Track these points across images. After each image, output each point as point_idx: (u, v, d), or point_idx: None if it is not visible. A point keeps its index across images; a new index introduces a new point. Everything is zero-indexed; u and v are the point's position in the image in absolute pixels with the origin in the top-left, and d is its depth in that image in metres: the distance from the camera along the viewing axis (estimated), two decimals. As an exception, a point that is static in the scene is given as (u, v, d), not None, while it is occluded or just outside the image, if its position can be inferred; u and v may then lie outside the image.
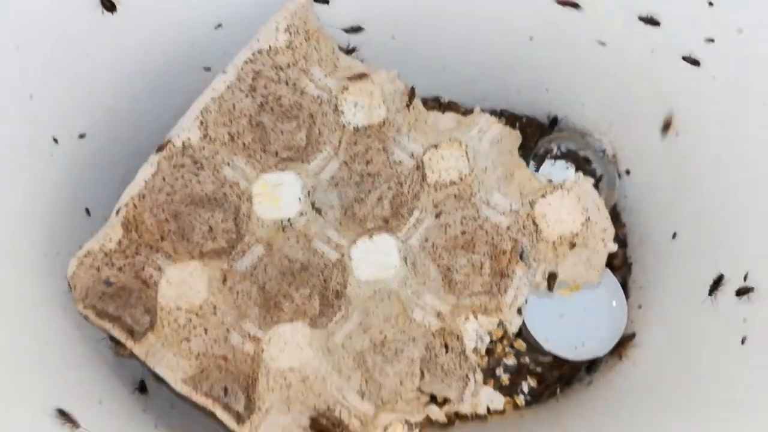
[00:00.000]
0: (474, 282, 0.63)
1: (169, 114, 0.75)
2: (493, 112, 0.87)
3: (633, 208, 0.84)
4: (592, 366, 0.80)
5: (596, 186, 0.87)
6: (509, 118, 0.87)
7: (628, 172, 0.83)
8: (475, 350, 0.54)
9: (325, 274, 0.63)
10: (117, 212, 0.58)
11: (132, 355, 0.63)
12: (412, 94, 0.63)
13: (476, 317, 0.54)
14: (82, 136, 0.61)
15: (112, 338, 0.63)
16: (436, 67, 0.81)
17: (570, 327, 0.79)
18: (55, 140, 0.56)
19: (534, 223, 0.56)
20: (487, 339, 0.54)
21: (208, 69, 0.70)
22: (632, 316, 0.79)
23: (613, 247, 0.58)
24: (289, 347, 0.52)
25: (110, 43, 0.60)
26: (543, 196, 0.57)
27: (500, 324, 0.55)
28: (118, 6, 0.57)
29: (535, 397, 0.79)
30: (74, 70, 0.58)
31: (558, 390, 0.80)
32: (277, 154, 0.67)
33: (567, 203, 0.55)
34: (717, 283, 0.61)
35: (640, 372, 0.75)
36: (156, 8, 0.62)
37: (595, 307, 0.80)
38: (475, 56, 0.79)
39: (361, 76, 0.62)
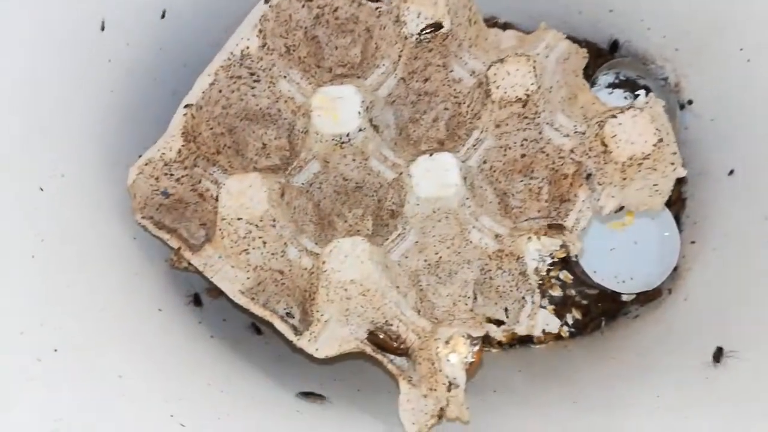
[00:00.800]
0: (531, 207, 0.62)
1: (218, 28, 0.72)
2: (550, 36, 0.83)
3: (692, 141, 0.81)
4: (639, 298, 0.79)
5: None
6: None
7: (690, 102, 0.79)
8: (536, 271, 0.53)
9: (379, 194, 0.62)
10: (175, 127, 0.57)
11: (187, 269, 0.63)
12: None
13: (539, 238, 0.53)
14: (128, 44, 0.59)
15: (167, 244, 0.64)
16: (496, -18, 0.77)
17: (620, 260, 0.78)
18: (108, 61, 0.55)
19: (603, 143, 0.54)
20: (549, 260, 0.53)
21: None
22: (684, 252, 0.78)
23: (683, 172, 0.55)
24: (350, 260, 0.52)
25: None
26: (613, 116, 0.54)
27: (562, 246, 0.53)
28: None
29: (579, 330, 0.79)
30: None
31: (603, 323, 0.80)
32: (331, 70, 0.65)
33: (639, 123, 0.53)
34: None
35: (691, 307, 0.74)
36: None
37: (646, 240, 0.79)
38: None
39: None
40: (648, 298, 0.78)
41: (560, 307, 0.79)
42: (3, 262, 0.44)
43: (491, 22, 0.81)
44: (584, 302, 0.80)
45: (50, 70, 0.53)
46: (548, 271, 0.78)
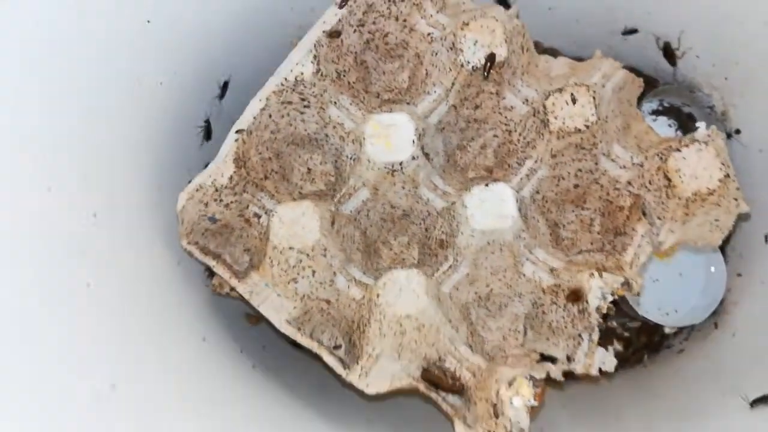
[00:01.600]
0: (582, 239, 0.60)
1: (260, 56, 0.72)
2: (593, 61, 0.82)
3: (738, 170, 0.79)
4: (684, 332, 0.77)
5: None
6: (610, 68, 0.82)
7: (738, 132, 0.78)
8: (598, 309, 0.51)
9: (427, 222, 0.61)
10: (226, 153, 0.56)
11: (229, 294, 0.62)
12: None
13: (601, 275, 0.51)
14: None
15: (211, 275, 0.63)
16: (541, 7, 0.76)
17: (664, 292, 0.76)
18: (161, 83, 0.55)
19: (666, 177, 0.52)
20: (610, 298, 0.51)
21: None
22: (730, 284, 0.76)
23: (746, 208, 0.54)
24: (405, 293, 0.50)
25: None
26: (677, 149, 0.53)
27: (624, 283, 0.52)
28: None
29: (621, 363, 0.77)
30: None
31: (646, 356, 0.78)
32: (378, 95, 0.64)
33: (704, 158, 0.51)
34: None
35: (740, 342, 0.72)
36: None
37: (691, 272, 0.77)
38: (585, -1, 0.74)
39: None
40: (693, 331, 0.76)
41: (601, 339, 0.77)
42: (59, 293, 0.43)
43: (539, 49, 0.80)
44: (626, 334, 0.78)
45: (99, 97, 0.52)
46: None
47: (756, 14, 0.67)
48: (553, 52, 0.82)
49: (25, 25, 0.44)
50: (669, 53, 0.73)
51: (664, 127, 0.81)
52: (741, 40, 0.70)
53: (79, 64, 0.48)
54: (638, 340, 0.78)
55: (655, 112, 0.82)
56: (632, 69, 0.82)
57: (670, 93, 0.80)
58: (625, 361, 0.77)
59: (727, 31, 0.70)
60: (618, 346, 0.78)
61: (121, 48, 0.51)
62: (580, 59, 0.82)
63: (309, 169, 0.63)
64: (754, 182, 0.76)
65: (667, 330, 0.77)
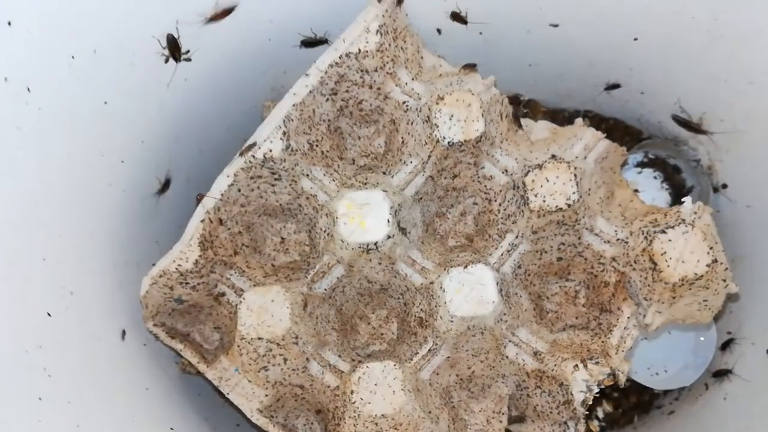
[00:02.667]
0: (567, 312, 0.58)
1: (236, 113, 0.69)
2: (576, 112, 0.80)
3: (725, 225, 0.77)
4: (674, 393, 0.75)
5: (684, 197, 0.80)
6: (593, 119, 0.80)
7: (725, 186, 0.76)
8: (583, 402, 0.49)
9: (406, 297, 0.58)
10: (191, 236, 0.53)
11: (199, 373, 0.59)
12: (516, 119, 0.57)
13: (585, 366, 0.49)
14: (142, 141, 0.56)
15: (180, 354, 0.60)
16: (522, 63, 0.74)
17: (652, 352, 0.74)
18: (122, 161, 0.52)
19: (652, 260, 0.50)
20: (596, 389, 0.49)
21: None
22: (720, 342, 0.74)
23: (735, 288, 0.52)
24: (381, 390, 0.48)
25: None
26: (663, 230, 0.50)
27: (611, 374, 0.49)
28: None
29: (611, 424, 0.75)
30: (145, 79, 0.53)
31: (636, 417, 0.75)
32: (354, 161, 0.61)
33: (691, 242, 0.49)
34: None
35: (731, 406, 0.69)
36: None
37: (681, 332, 0.75)
38: (567, 54, 0.72)
39: (468, 68, 0.55)
40: (684, 392, 0.74)
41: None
42: (14, 377, 0.40)
43: (513, 100, 0.78)
44: (615, 394, 0.76)
45: (59, 176, 0.49)
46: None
47: (741, 74, 0.66)
48: (534, 105, 0.81)
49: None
50: (686, 124, 0.71)
51: (650, 179, 0.79)
52: (726, 99, 0.68)
53: (45, 141, 0.45)
54: (628, 401, 0.76)
55: (641, 164, 0.80)
56: (616, 121, 0.81)
57: (656, 145, 0.79)
58: (615, 423, 0.75)
59: (712, 88, 0.69)
60: (608, 407, 0.75)
61: (84, 126, 0.48)
62: (561, 111, 0.81)
63: (282, 239, 0.60)
64: (742, 238, 0.75)
65: (656, 390, 0.75)
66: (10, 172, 0.41)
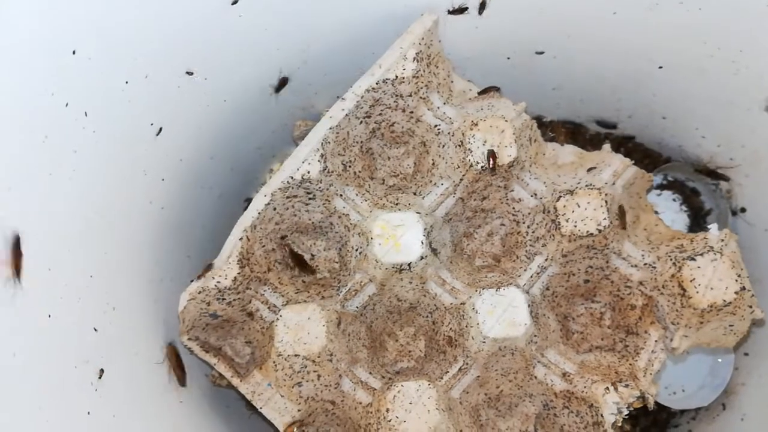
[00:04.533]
0: (592, 333, 0.59)
1: (266, 131, 0.71)
2: (597, 134, 0.82)
3: (745, 249, 0.79)
4: (691, 412, 0.75)
5: (704, 220, 0.82)
6: (614, 141, 0.82)
7: (743, 210, 0.77)
8: (614, 424, 0.50)
9: (434, 316, 0.60)
10: (230, 253, 0.55)
11: (230, 386, 0.61)
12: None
13: (616, 389, 0.50)
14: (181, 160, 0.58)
15: (213, 368, 0.61)
16: (547, 86, 0.76)
17: (671, 372, 0.75)
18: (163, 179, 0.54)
19: (681, 286, 0.52)
20: (626, 412, 0.50)
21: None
22: (738, 363, 0.75)
23: (760, 314, 0.53)
24: (416, 409, 0.49)
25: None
26: (692, 257, 0.52)
27: (640, 396, 0.51)
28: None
29: (628, 442, 0.76)
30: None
31: (653, 436, 0.76)
32: (384, 181, 0.63)
33: (720, 269, 0.51)
34: None
35: (748, 426, 0.70)
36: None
37: (698, 351, 0.76)
38: (592, 79, 0.73)
39: (489, 91, 0.57)
40: (701, 411, 0.75)
41: (608, 419, 0.76)
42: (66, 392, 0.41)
43: (538, 122, 0.80)
44: (633, 412, 0.77)
45: (106, 195, 0.51)
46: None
47: (762, 102, 0.67)
48: (556, 126, 0.82)
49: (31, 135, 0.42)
50: (712, 173, 0.73)
51: (669, 201, 0.81)
52: (747, 125, 0.70)
53: (96, 163, 0.47)
54: (645, 419, 0.77)
55: (660, 186, 0.81)
56: (636, 144, 0.82)
57: (675, 168, 0.80)
58: (632, 442, 0.76)
59: (733, 115, 0.70)
60: (626, 426, 0.76)
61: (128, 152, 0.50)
62: (583, 130, 0.82)
63: (312, 255, 0.62)
64: (760, 261, 0.76)
65: (673, 409, 0.76)
66: (66, 195, 0.43)
